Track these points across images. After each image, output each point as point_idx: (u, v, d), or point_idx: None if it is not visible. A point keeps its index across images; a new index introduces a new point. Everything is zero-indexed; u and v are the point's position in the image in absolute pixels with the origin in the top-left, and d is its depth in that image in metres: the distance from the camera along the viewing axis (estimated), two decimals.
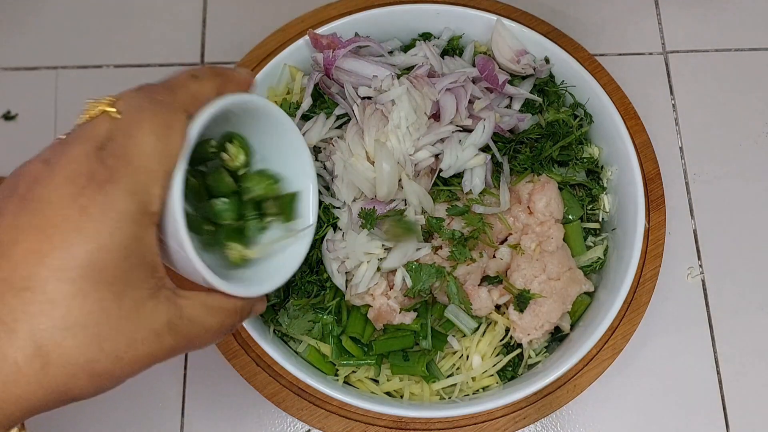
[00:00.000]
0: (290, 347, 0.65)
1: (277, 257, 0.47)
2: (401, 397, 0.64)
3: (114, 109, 0.36)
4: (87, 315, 0.33)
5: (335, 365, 0.64)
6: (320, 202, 0.63)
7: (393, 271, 0.62)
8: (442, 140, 0.65)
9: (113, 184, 0.34)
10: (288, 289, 0.63)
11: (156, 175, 0.36)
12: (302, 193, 0.49)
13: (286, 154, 0.48)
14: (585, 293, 0.66)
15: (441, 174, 0.64)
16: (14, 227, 0.33)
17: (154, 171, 0.36)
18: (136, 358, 0.35)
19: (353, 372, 0.64)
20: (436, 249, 0.63)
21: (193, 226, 0.41)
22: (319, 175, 0.66)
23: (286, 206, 0.48)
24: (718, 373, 0.72)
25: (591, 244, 0.69)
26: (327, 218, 0.63)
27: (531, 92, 0.71)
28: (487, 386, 0.65)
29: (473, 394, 0.64)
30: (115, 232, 0.33)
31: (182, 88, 0.39)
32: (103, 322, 0.33)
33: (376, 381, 0.65)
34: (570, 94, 0.72)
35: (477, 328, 0.64)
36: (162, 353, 0.36)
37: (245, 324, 0.61)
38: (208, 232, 0.45)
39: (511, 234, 0.66)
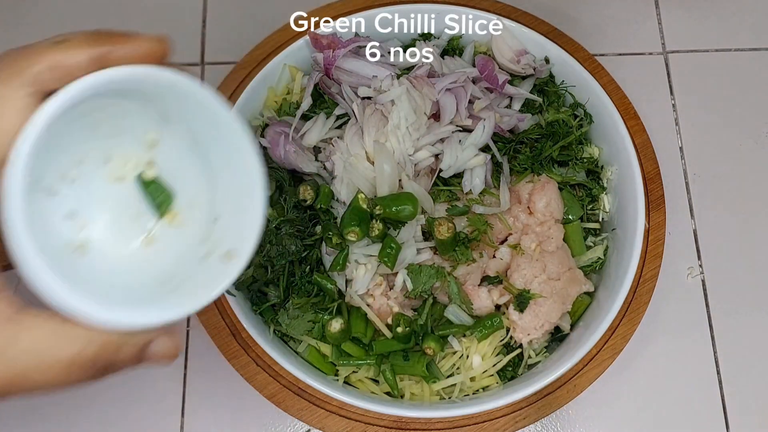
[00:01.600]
0: (290, 347, 0.65)
1: (198, 274, 0.37)
2: (401, 397, 0.64)
3: None
4: None
5: (335, 365, 0.64)
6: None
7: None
8: (442, 140, 0.65)
9: None
10: (288, 288, 0.64)
11: None
12: (241, 205, 0.37)
13: (225, 146, 0.37)
14: (585, 293, 0.66)
15: (441, 174, 0.65)
16: None
17: None
18: None
19: (353, 372, 0.64)
20: (435, 249, 0.63)
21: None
22: (318, 176, 0.66)
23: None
24: (718, 373, 0.72)
25: (591, 244, 0.69)
26: (327, 218, 0.63)
27: (531, 92, 0.71)
28: (487, 386, 0.65)
29: (473, 394, 0.64)
30: None
31: (37, 56, 0.30)
32: None
33: (376, 381, 0.65)
34: (570, 94, 0.72)
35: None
36: None
37: (245, 324, 0.61)
38: None
39: (511, 234, 0.66)
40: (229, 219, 0.38)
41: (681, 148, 0.81)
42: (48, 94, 0.30)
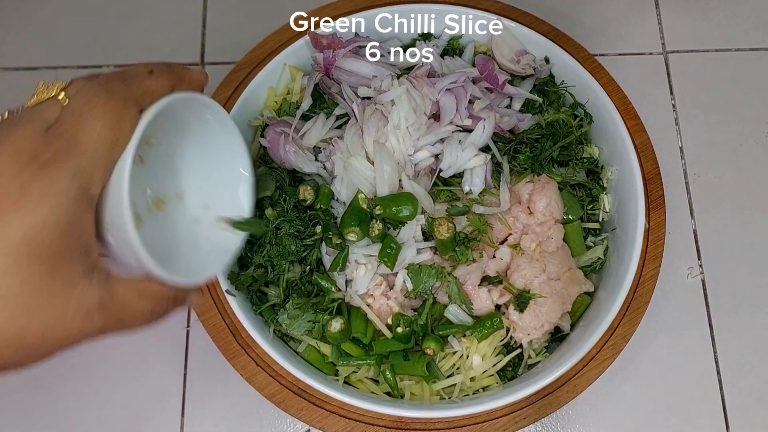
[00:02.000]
0: (290, 347, 0.65)
1: (211, 250, 0.49)
2: (401, 397, 0.64)
3: (63, 94, 0.38)
4: (19, 287, 0.33)
5: (335, 365, 0.64)
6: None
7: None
8: (442, 140, 0.65)
9: (56, 164, 0.35)
10: (288, 288, 0.63)
11: (100, 161, 0.37)
12: (239, 190, 0.52)
13: (226, 151, 0.50)
14: (585, 293, 0.66)
15: (441, 174, 0.65)
16: None
17: (99, 157, 0.36)
18: (65, 333, 0.36)
19: (353, 372, 0.64)
20: (435, 249, 0.63)
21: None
22: (319, 176, 0.66)
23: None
24: (718, 373, 0.72)
25: (591, 244, 0.69)
26: (327, 218, 0.63)
27: (531, 92, 0.71)
28: (487, 386, 0.65)
29: (473, 394, 0.64)
30: (53, 211, 0.34)
31: (137, 82, 0.39)
32: (34, 295, 0.34)
33: (376, 381, 0.65)
34: (570, 94, 0.72)
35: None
36: (91, 331, 0.37)
37: (245, 324, 0.61)
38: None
39: (511, 234, 0.66)
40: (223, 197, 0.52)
41: (681, 148, 0.81)
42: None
